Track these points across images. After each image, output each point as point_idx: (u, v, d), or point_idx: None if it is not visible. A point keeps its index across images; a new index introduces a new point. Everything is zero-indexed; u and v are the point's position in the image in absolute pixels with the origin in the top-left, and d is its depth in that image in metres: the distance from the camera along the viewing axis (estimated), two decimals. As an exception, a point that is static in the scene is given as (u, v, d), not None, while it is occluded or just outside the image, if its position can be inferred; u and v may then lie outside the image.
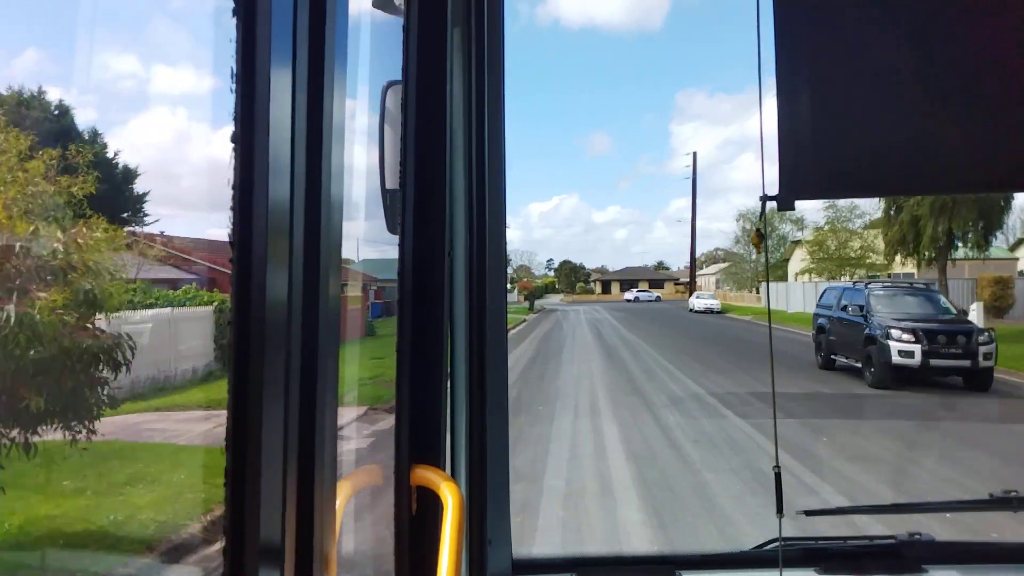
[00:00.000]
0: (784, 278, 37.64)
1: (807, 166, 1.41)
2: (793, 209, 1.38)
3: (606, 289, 72.66)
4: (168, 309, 6.72)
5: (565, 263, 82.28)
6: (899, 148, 1.42)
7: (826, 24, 1.43)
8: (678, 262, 77.03)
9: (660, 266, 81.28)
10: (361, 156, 1.48)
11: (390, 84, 1.46)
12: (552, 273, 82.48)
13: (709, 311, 35.99)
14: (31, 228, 3.46)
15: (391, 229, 1.44)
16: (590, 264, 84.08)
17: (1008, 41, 1.37)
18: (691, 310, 37.37)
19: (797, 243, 36.29)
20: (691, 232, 54.38)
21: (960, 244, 20.91)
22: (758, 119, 1.40)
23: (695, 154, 53.81)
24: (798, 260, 34.81)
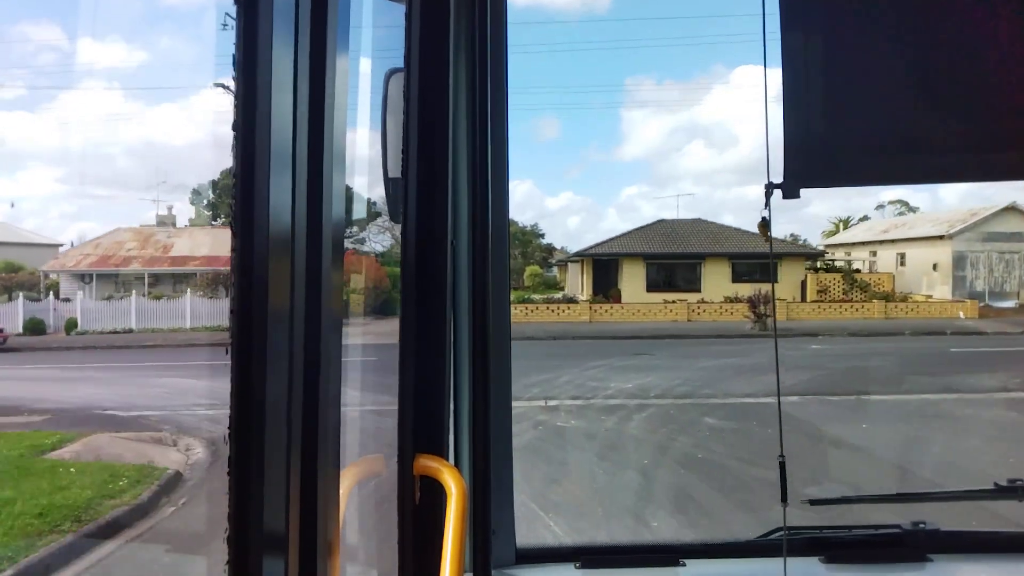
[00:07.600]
0: None
1: (813, 155, 1.41)
2: (798, 197, 1.37)
3: (601, 284, 25.58)
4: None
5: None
6: (902, 137, 1.42)
7: (833, 15, 1.42)
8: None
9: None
10: (363, 144, 1.48)
11: (392, 72, 1.44)
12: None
13: None
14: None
15: (393, 218, 1.44)
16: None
17: (1008, 36, 1.37)
18: None
19: None
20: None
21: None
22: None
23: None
24: None
